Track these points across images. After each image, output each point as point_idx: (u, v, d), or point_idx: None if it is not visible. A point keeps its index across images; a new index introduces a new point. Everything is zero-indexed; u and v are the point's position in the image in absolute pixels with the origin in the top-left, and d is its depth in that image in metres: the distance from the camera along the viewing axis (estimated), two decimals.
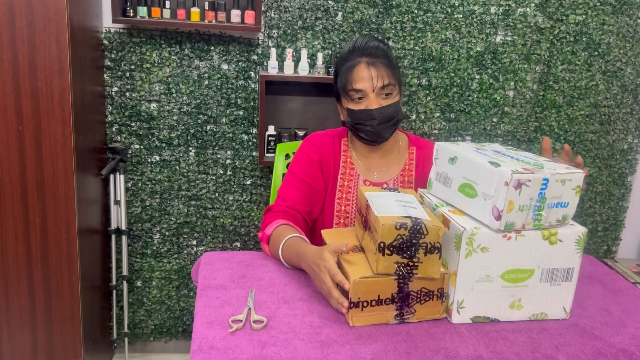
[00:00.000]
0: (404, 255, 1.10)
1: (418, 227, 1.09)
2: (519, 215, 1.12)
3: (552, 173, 1.11)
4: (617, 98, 2.46)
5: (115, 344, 2.51)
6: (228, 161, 2.37)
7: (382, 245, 1.09)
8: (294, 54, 2.26)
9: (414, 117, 2.40)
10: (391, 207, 1.18)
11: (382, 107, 1.49)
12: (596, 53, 2.39)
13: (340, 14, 2.25)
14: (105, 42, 2.18)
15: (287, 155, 1.99)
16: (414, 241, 1.09)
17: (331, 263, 1.15)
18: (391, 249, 1.09)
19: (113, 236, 2.31)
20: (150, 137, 2.31)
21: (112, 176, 2.24)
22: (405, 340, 1.10)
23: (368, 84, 1.48)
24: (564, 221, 1.17)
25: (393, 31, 2.28)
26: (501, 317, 1.19)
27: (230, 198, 2.41)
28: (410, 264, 1.11)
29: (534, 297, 1.19)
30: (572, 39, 2.36)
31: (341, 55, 1.58)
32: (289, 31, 2.25)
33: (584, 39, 2.36)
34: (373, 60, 1.50)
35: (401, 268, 1.11)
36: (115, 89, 2.24)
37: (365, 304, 1.12)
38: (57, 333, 2.04)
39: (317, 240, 1.57)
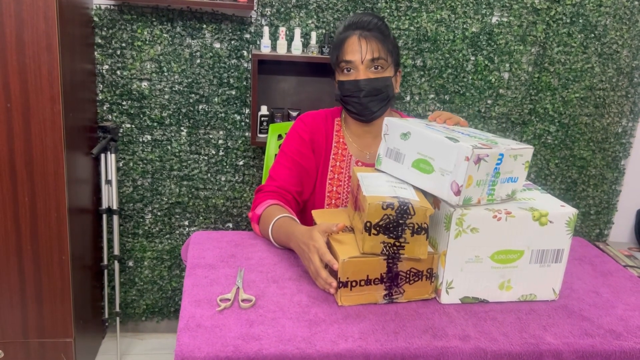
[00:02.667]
0: (391, 235, 1.09)
1: (405, 208, 1.08)
2: (476, 191, 1.12)
3: (507, 148, 1.13)
4: (613, 81, 2.45)
5: (106, 324, 2.51)
6: (220, 141, 2.35)
7: (368, 224, 1.08)
8: (287, 33, 2.22)
9: (408, 98, 2.38)
10: (381, 187, 1.17)
11: (370, 79, 1.48)
12: (592, 35, 2.37)
13: None
14: (96, 19, 2.15)
15: (280, 136, 1.97)
16: (400, 221, 1.09)
17: (320, 243, 1.15)
18: (377, 228, 1.09)
19: (104, 216, 2.29)
20: (141, 116, 2.28)
21: (103, 155, 2.22)
22: (393, 320, 1.10)
23: (357, 56, 1.48)
24: (512, 196, 1.19)
25: (388, 10, 2.25)
26: (490, 298, 1.19)
27: (223, 179, 2.40)
28: (397, 244, 1.10)
29: (524, 278, 1.19)
30: (568, 21, 2.33)
31: (337, 31, 1.59)
32: (282, 9, 2.21)
33: (580, 21, 2.34)
34: (366, 33, 1.49)
35: (387, 248, 1.10)
36: (106, 67, 2.21)
37: (354, 283, 1.12)
38: (47, 312, 2.04)
39: (307, 221, 1.56)
